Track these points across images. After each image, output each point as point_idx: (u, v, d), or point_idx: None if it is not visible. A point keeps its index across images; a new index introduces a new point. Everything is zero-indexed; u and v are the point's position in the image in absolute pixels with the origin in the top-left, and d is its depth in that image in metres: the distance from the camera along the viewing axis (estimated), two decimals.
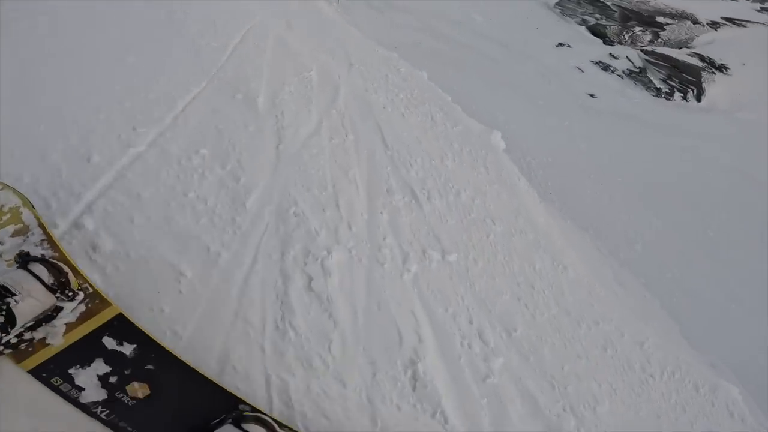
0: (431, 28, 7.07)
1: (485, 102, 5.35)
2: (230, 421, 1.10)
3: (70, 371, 1.12)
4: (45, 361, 1.10)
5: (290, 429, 1.15)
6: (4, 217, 1.19)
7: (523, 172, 3.03)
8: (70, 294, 1.16)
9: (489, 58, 6.60)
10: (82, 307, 1.19)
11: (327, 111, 2.53)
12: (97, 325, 1.18)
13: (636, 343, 2.11)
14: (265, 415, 1.13)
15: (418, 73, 3.68)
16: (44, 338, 1.12)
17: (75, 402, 1.09)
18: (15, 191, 1.22)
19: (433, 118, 2.94)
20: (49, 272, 1.13)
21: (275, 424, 1.11)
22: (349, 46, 3.65)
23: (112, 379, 1.14)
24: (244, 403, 1.17)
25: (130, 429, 1.11)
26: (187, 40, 2.57)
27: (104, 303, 1.22)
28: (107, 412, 1.11)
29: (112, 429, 1.09)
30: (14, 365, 1.08)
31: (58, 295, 1.13)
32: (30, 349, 1.10)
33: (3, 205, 1.19)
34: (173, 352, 1.20)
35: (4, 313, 0.98)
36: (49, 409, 1.07)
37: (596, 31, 8.05)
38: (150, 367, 1.18)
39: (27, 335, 1.10)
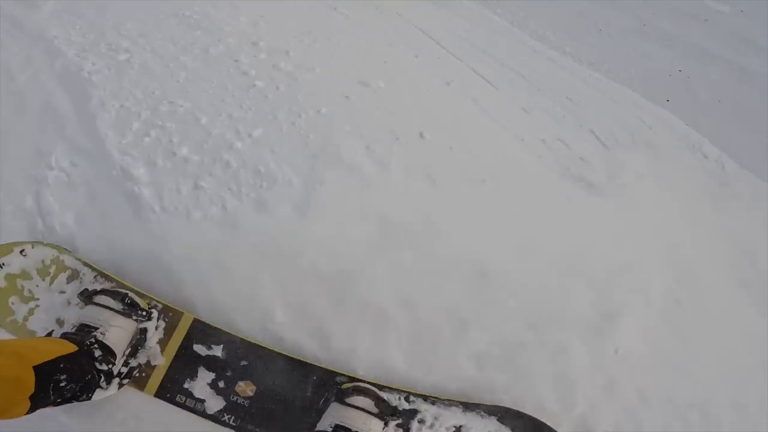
0: (655, 27, 2.76)
1: None
2: (333, 399, 0.98)
3: (186, 386, 1.07)
4: (162, 382, 1.08)
5: (390, 388, 1.02)
6: (52, 270, 1.13)
7: None
8: (144, 314, 1.08)
9: None
10: (162, 323, 1.10)
11: None
12: (182, 336, 1.09)
13: None
14: (364, 382, 1.03)
15: None
16: (149, 361, 1.09)
17: (204, 414, 1.05)
18: (46, 244, 1.15)
19: None
20: (114, 300, 1.06)
21: (376, 390, 1.00)
22: None
23: (221, 384, 1.06)
24: (339, 374, 1.04)
25: (257, 429, 1.02)
26: None
27: (177, 313, 1.10)
28: (233, 417, 1.04)
29: None
30: (140, 392, 1.09)
31: (134, 317, 1.06)
32: (143, 374, 1.08)
33: (43, 260, 1.13)
34: (255, 342, 1.04)
35: (96, 346, 0.99)
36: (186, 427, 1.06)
37: None
38: (244, 362, 1.06)
39: (133, 362, 1.08)
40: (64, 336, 1.00)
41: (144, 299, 1.10)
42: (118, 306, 1.05)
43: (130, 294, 1.08)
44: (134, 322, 1.07)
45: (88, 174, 1.32)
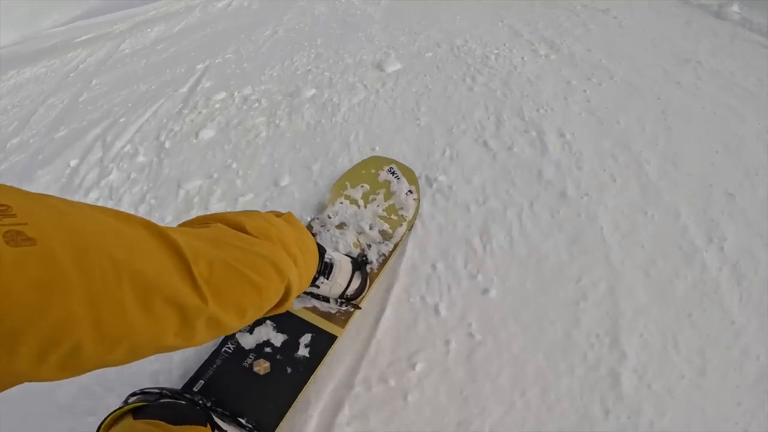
0: None
1: None
2: None
3: (278, 331, 1.18)
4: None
5: None
6: (393, 217, 1.32)
7: None
8: (344, 305, 1.17)
9: None
10: (335, 309, 1.21)
11: None
12: (319, 326, 1.17)
13: None
14: None
15: None
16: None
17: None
18: (417, 211, 1.33)
19: None
20: (358, 286, 1.16)
21: None
22: None
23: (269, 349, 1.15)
24: None
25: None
26: None
27: (340, 325, 1.19)
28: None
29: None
30: None
31: (341, 303, 1.17)
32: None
33: (401, 209, 1.32)
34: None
35: (318, 283, 1.10)
36: None
37: None
38: (289, 370, 1.11)
39: None
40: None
41: (362, 301, 1.21)
42: (351, 292, 1.17)
43: (368, 290, 1.20)
44: (337, 302, 1.19)
45: None
